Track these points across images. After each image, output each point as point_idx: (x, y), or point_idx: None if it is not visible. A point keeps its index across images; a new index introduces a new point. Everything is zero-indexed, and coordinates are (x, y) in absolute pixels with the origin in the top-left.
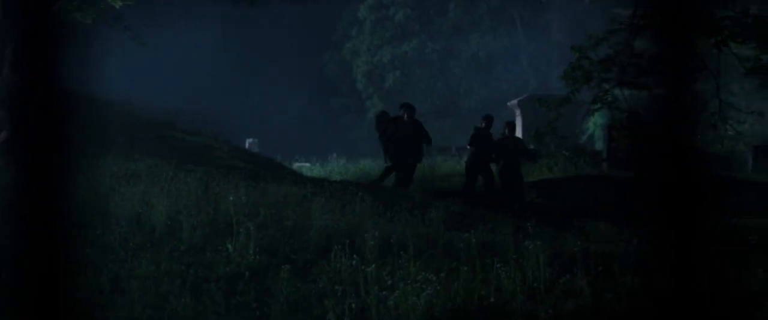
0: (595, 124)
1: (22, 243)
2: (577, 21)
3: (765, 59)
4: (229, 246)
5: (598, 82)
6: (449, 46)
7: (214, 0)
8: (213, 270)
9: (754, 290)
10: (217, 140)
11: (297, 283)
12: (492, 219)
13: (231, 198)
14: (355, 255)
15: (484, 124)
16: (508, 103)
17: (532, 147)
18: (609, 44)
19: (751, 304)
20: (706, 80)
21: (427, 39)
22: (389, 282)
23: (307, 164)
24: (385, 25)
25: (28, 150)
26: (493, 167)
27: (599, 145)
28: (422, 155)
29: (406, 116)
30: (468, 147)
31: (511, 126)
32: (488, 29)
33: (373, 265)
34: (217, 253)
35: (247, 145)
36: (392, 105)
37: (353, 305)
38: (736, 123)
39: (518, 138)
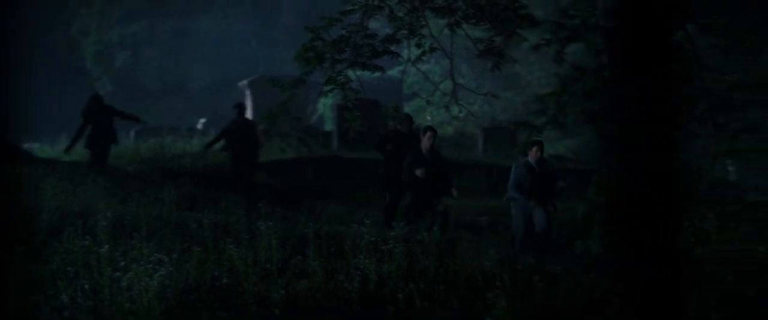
0: (324, 104)
1: None
2: (306, 3)
3: (498, 41)
4: None
5: (331, 62)
6: (180, 26)
7: None
8: None
9: (485, 271)
10: None
11: (30, 265)
12: (225, 200)
13: None
14: (87, 236)
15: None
16: (239, 84)
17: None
18: (342, 25)
19: (484, 284)
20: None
21: (158, 19)
22: (122, 263)
23: (37, 145)
24: (115, 5)
25: None
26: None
27: (329, 126)
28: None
29: (425, 138)
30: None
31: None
32: (219, 10)
33: (106, 246)
34: None
35: None
36: (121, 88)
37: (86, 286)
38: (467, 104)
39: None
